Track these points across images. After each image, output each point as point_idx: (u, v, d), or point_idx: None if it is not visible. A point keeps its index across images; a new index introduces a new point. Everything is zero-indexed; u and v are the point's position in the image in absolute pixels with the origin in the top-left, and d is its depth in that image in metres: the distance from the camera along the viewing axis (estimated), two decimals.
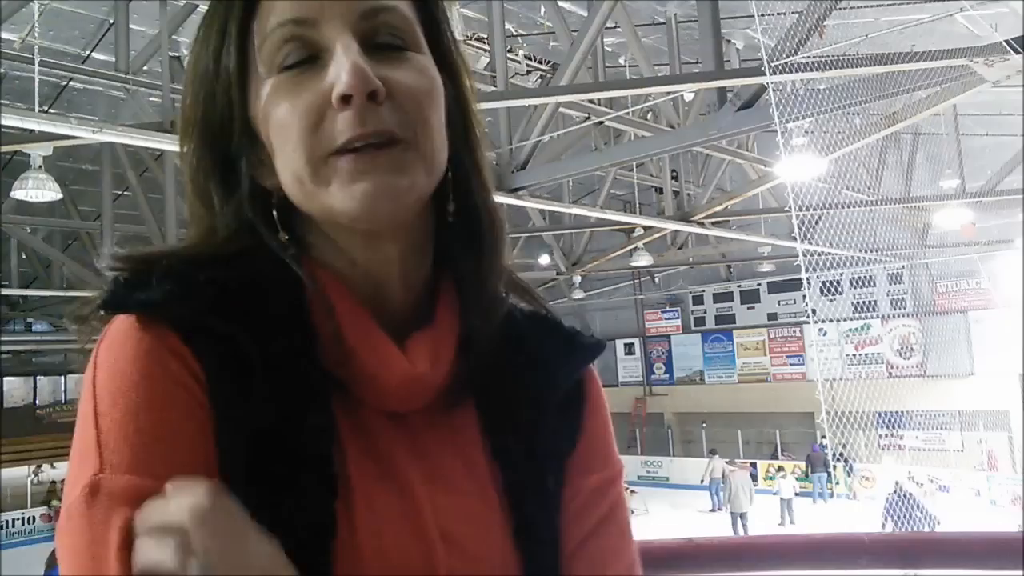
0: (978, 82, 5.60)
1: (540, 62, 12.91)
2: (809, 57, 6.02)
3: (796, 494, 17.90)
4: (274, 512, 0.55)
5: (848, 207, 11.81)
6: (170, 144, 6.15)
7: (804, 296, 19.54)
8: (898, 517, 14.19)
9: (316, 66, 0.62)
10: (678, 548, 1.49)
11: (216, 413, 0.58)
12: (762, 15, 6.86)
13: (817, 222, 11.98)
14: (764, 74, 5.43)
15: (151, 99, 9.32)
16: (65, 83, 10.23)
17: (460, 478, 0.67)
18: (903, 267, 19.71)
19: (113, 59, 9.03)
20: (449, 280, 0.70)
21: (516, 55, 12.16)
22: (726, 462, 18.68)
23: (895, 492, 14.78)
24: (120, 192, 13.17)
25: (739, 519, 16.09)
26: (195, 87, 0.66)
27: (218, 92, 0.65)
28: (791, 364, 22.45)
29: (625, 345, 26.02)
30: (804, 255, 10.73)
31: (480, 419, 0.69)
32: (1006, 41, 5.12)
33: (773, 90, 5.82)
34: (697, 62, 10.82)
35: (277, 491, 0.57)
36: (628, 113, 9.80)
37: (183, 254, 0.65)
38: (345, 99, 0.59)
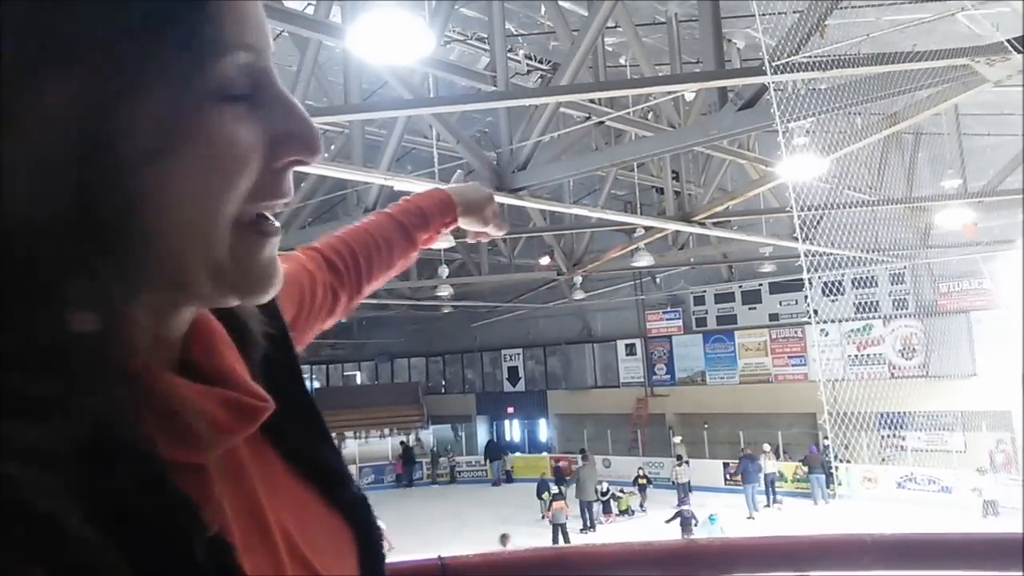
0: (979, 82, 5.59)
1: (540, 62, 12.90)
2: (810, 57, 6.01)
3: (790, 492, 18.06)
4: None
5: (850, 207, 11.78)
6: None
7: (806, 297, 19.50)
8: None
9: (253, 103, 0.51)
10: (678, 549, 1.48)
11: None
12: (763, 14, 6.84)
13: (819, 222, 11.96)
14: (765, 74, 5.42)
15: None
16: None
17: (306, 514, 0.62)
18: (905, 267, 19.69)
19: None
20: None
21: (516, 55, 12.16)
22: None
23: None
24: None
25: (586, 508, 17.95)
26: None
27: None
28: (793, 365, 22.41)
29: (626, 346, 26.00)
30: (805, 255, 10.71)
31: (276, 448, 0.62)
32: (1007, 40, 5.10)
33: (774, 90, 5.80)
34: (698, 62, 10.81)
35: None
36: (629, 113, 9.78)
37: None
38: (299, 163, 0.51)
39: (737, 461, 19.71)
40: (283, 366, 0.65)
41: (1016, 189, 11.83)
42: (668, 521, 15.87)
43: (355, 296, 1.09)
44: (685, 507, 16.11)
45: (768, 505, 18.99)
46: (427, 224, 1.21)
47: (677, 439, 22.15)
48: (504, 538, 13.31)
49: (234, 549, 0.49)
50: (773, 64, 5.46)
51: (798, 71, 5.52)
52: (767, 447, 19.69)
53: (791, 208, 9.02)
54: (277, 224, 0.53)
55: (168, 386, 0.50)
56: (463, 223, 1.28)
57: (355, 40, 4.70)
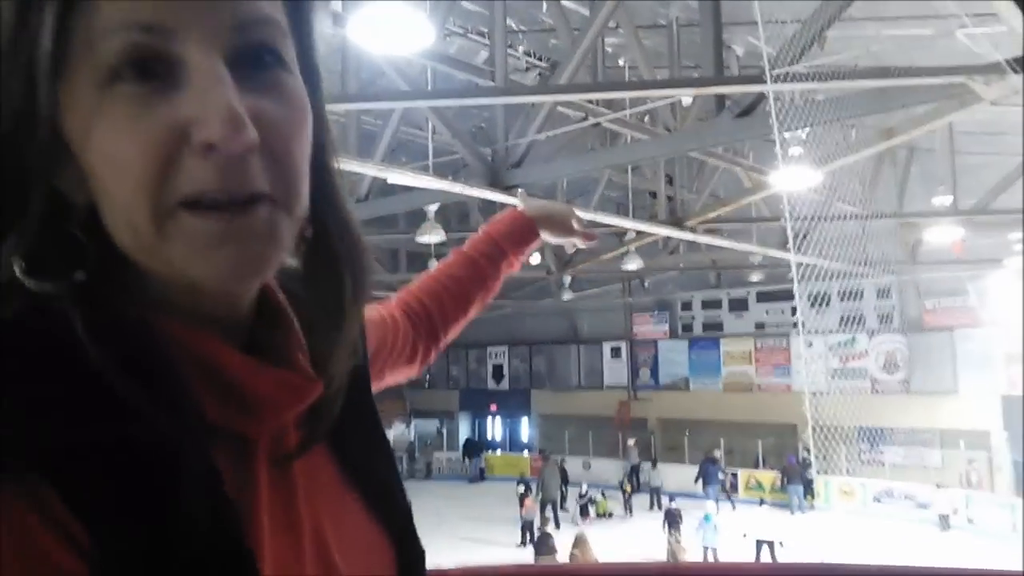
0: (976, 100, 5.60)
1: (540, 59, 12.87)
2: (809, 67, 6.01)
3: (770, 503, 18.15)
4: None
5: (840, 219, 11.82)
6: None
7: (795, 308, 19.56)
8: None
9: (166, 85, 0.48)
10: (663, 571, 1.46)
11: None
12: (765, 22, 6.84)
13: (808, 233, 11.99)
14: (764, 82, 5.41)
15: None
16: None
17: (351, 528, 0.64)
18: (892, 282, 19.78)
19: None
20: (279, 290, 0.63)
21: (516, 51, 12.12)
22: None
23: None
24: None
25: (551, 506, 18.19)
26: None
27: (16, 74, 0.49)
28: (777, 375, 22.49)
29: (612, 348, 26.04)
30: (797, 266, 10.73)
31: (334, 456, 0.66)
32: (1004, 60, 5.12)
33: (770, 99, 5.80)
34: (697, 67, 10.80)
35: None
36: (626, 115, 9.76)
37: None
38: (211, 147, 0.48)
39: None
40: (356, 381, 0.67)
41: (1006, 209, 11.89)
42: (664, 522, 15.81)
43: (434, 347, 1.12)
44: (672, 505, 16.13)
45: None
46: (503, 253, 1.20)
47: (631, 441, 22.38)
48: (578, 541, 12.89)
49: (239, 523, 0.52)
50: (772, 73, 5.46)
51: (797, 81, 5.52)
52: (717, 453, 19.93)
53: (782, 217, 9.04)
54: (226, 204, 0.50)
55: (220, 355, 0.55)
56: (547, 236, 1.27)
57: (355, 30, 4.67)
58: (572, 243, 1.36)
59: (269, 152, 0.51)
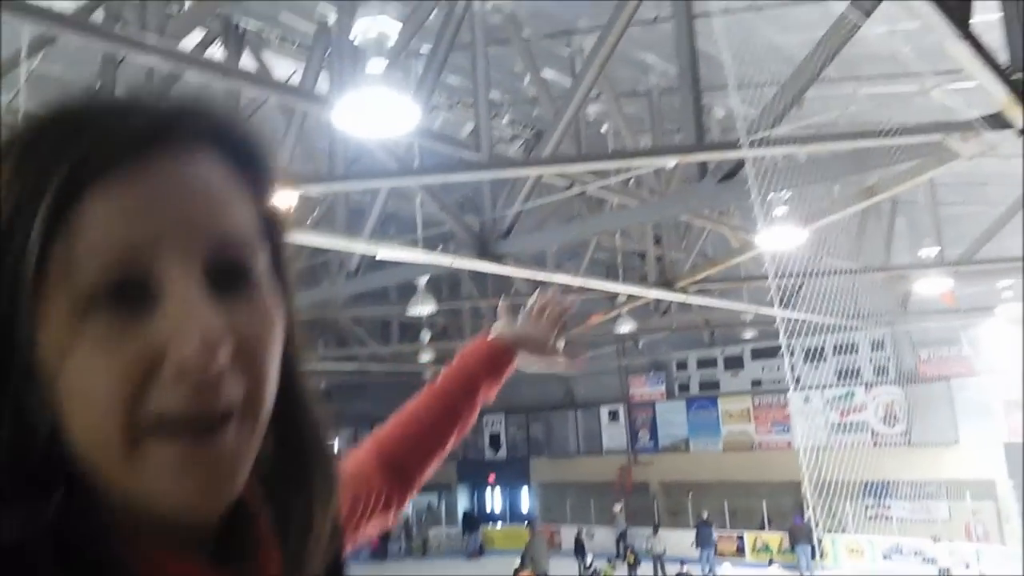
0: (953, 157, 5.69)
1: (524, 127, 13.07)
2: (789, 129, 6.11)
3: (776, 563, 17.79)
4: None
5: (829, 275, 11.88)
6: None
7: (789, 364, 19.54)
8: None
9: (142, 307, 0.49)
10: None
11: None
12: (744, 85, 6.98)
13: (799, 289, 12.04)
14: (743, 148, 5.50)
15: None
16: None
17: None
18: (885, 334, 19.79)
19: None
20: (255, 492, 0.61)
21: (500, 121, 12.31)
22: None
23: None
24: None
25: None
26: None
27: None
28: (776, 432, 22.28)
29: (609, 412, 25.81)
30: (785, 322, 10.74)
31: None
32: (977, 119, 5.22)
33: (753, 162, 5.89)
34: (679, 129, 10.98)
35: None
36: (611, 181, 9.87)
37: None
38: (184, 370, 0.48)
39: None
40: (329, 560, 0.65)
41: (992, 258, 11.99)
42: None
43: (408, 494, 1.11)
44: (684, 570, 15.82)
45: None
46: (477, 387, 1.18)
47: (616, 507, 22.06)
48: None
49: None
50: (751, 139, 5.54)
51: (776, 145, 5.61)
52: (705, 514, 19.74)
53: (770, 277, 9.09)
54: (199, 428, 0.50)
55: (180, 569, 0.53)
56: (524, 364, 1.24)
57: (340, 116, 4.74)
58: (555, 366, 1.32)
59: (241, 366, 0.51)
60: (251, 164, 0.56)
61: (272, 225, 0.58)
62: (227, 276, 0.52)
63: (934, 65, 7.65)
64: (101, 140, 0.50)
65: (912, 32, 7.55)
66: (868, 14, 5.33)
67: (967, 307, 15.95)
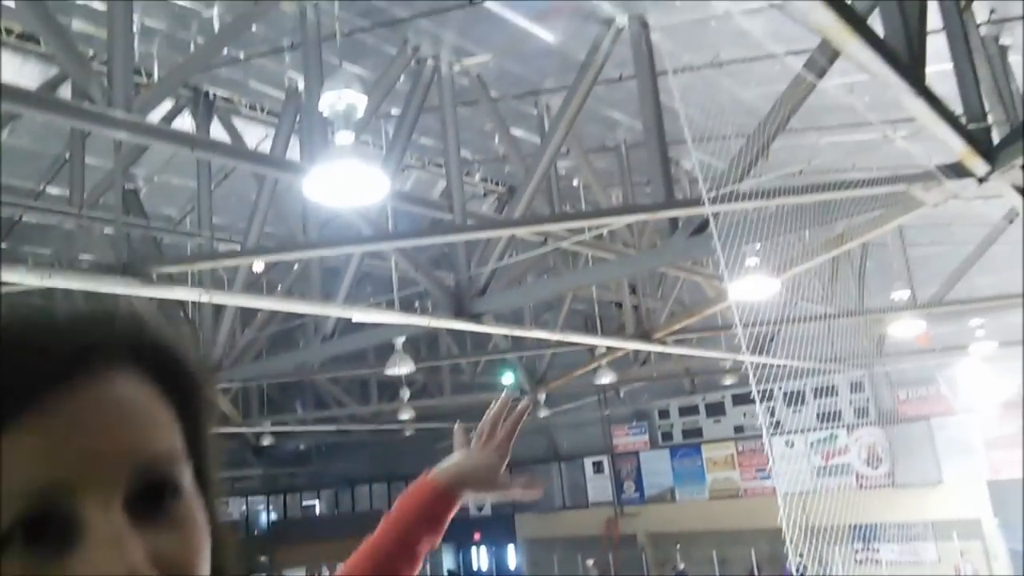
0: (918, 205, 5.79)
1: (496, 184, 13.17)
2: (756, 182, 6.20)
3: None
4: None
5: (803, 321, 11.97)
6: (123, 288, 6.03)
7: (767, 409, 19.51)
8: None
9: (60, 544, 0.46)
10: None
11: None
12: (709, 138, 7.10)
13: (774, 336, 12.10)
14: (710, 204, 5.57)
15: (106, 230, 9.30)
16: (18, 218, 10.15)
17: None
18: (864, 375, 19.89)
19: (67, 192, 9.03)
20: None
21: (473, 179, 12.41)
22: None
23: None
24: None
25: None
26: None
27: None
28: (762, 478, 22.17)
29: (594, 463, 25.57)
30: (758, 367, 10.76)
31: None
32: (937, 168, 5.33)
33: (719, 217, 5.96)
34: (648, 182, 11.12)
35: None
36: (585, 236, 9.95)
37: None
38: None
39: None
40: None
41: (962, 299, 12.15)
42: None
43: None
44: None
45: None
46: (414, 542, 1.10)
47: (589, 562, 21.83)
48: None
49: None
50: (718, 192, 5.62)
51: (742, 200, 5.68)
52: (681, 565, 19.58)
53: (746, 324, 9.13)
54: None
55: None
56: (475, 499, 1.18)
57: (310, 188, 4.74)
58: (508, 496, 1.26)
59: None
60: (174, 376, 0.55)
61: (198, 432, 0.57)
62: (152, 498, 0.51)
63: (892, 115, 7.83)
64: (15, 377, 0.47)
65: (869, 84, 7.76)
66: (821, 75, 5.46)
67: (942, 346, 16.10)
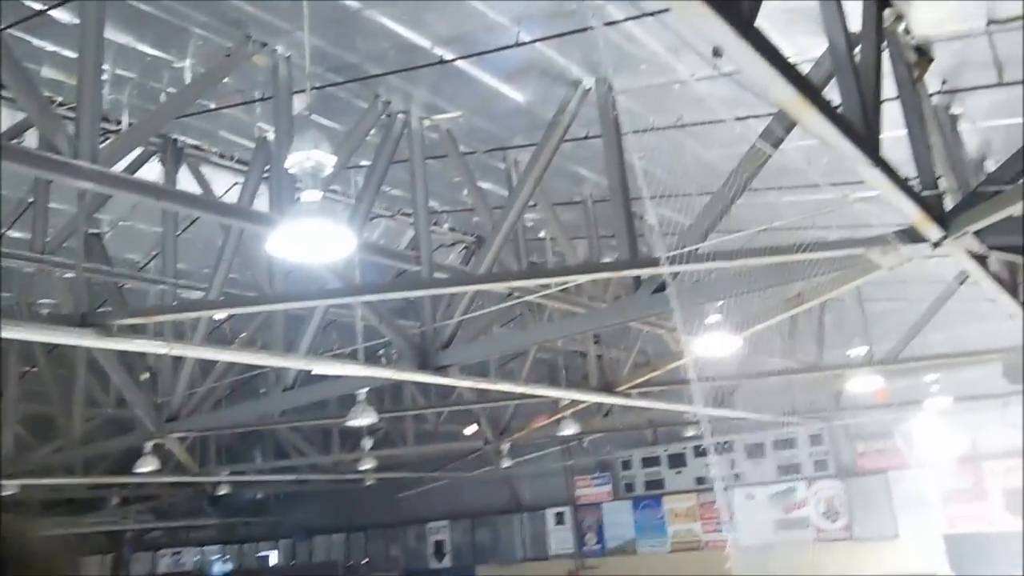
0: (874, 268, 5.97)
1: (464, 233, 13.26)
2: (716, 242, 6.36)
3: None
4: None
5: (763, 376, 12.14)
6: (82, 340, 5.94)
7: (733, 461, 19.61)
8: None
9: None
10: None
11: None
12: (673, 195, 7.27)
13: (734, 390, 12.25)
14: (669, 264, 5.72)
15: (67, 275, 9.19)
16: None
17: None
18: (823, 428, 20.11)
19: (29, 236, 8.93)
20: None
21: (441, 228, 12.49)
22: None
23: None
24: (27, 368, 12.62)
25: None
26: None
27: None
28: (722, 530, 22.14)
29: (556, 514, 25.32)
30: (715, 421, 10.89)
31: None
32: (893, 234, 5.51)
33: (677, 277, 6.11)
34: (613, 236, 11.30)
35: None
36: (551, 290, 10.05)
37: None
38: None
39: None
40: None
41: (917, 356, 12.42)
42: None
43: None
44: None
45: None
46: None
47: None
48: None
49: None
50: (675, 253, 5.77)
51: (702, 261, 5.83)
52: None
53: (704, 379, 9.27)
54: None
55: None
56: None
57: (274, 246, 4.76)
58: None
59: None
60: None
61: None
62: None
63: (849, 178, 8.10)
64: None
65: (826, 148, 8.04)
66: (776, 146, 5.65)
67: (898, 401, 16.40)
